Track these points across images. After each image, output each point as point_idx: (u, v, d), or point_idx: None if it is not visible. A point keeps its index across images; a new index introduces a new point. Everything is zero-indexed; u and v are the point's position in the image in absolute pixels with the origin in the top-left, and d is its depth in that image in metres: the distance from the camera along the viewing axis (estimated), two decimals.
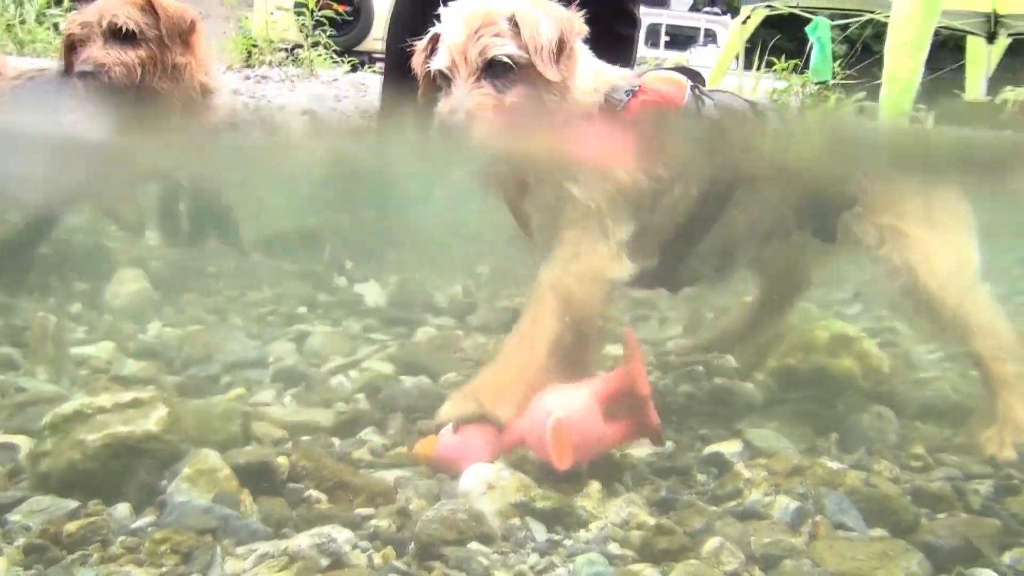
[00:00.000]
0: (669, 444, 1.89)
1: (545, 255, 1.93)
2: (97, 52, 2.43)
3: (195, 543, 1.44)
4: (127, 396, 1.68)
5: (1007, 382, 2.01)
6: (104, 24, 2.45)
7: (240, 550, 1.45)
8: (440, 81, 1.87)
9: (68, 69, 2.52)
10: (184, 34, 2.60)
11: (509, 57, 1.79)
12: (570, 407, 1.71)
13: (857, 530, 1.61)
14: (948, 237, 2.08)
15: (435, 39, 1.88)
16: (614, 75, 1.99)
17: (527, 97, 1.83)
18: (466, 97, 1.78)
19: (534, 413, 1.73)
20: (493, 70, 1.81)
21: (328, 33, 6.28)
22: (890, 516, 1.65)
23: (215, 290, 2.75)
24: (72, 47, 2.51)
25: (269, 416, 1.91)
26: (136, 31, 2.47)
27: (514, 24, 1.80)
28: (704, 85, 2.10)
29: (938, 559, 1.52)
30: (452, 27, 1.84)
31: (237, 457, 1.66)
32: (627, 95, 1.92)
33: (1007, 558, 1.55)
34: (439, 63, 1.84)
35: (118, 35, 2.46)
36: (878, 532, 1.62)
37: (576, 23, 1.88)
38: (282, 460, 1.68)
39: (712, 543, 1.52)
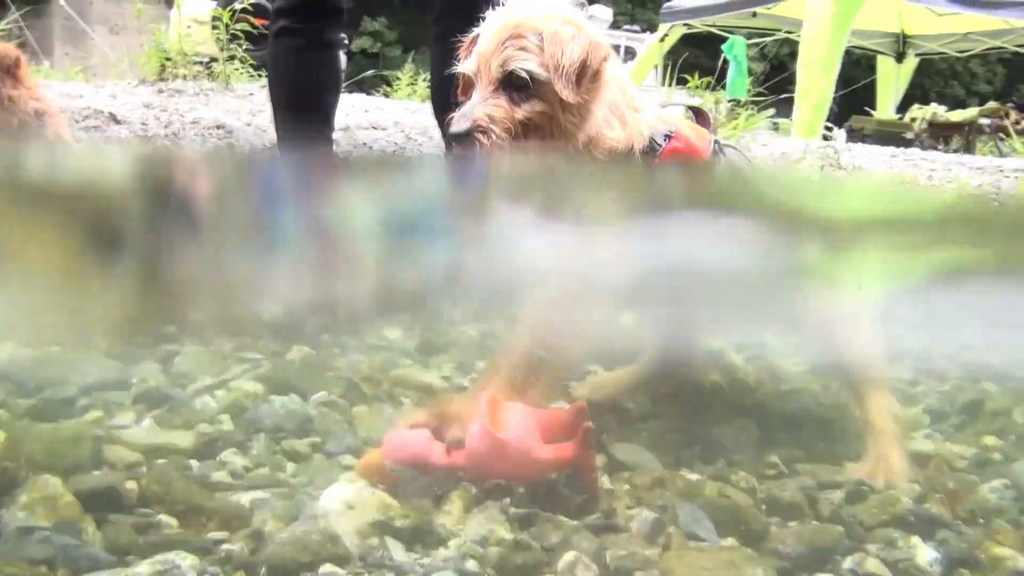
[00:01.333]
0: None
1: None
2: None
3: (29, 574, 1.38)
4: None
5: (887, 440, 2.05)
6: None
7: None
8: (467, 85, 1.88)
9: None
10: (11, 69, 2.85)
11: (528, 72, 1.80)
12: (510, 403, 1.77)
13: (709, 540, 1.65)
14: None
15: (476, 39, 1.89)
16: (651, 114, 2.00)
17: (542, 115, 1.84)
18: (477, 106, 1.79)
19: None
20: (512, 83, 1.82)
21: (244, 47, 6.18)
22: (741, 525, 1.69)
23: (79, 308, 2.66)
24: None
25: (124, 439, 1.85)
26: None
27: (542, 40, 1.81)
28: (710, 126, 2.13)
29: (784, 566, 1.57)
30: (485, 34, 1.86)
31: (82, 483, 1.60)
32: (664, 139, 1.94)
33: (848, 562, 1.61)
34: (467, 66, 1.85)
35: None
36: (729, 541, 1.66)
37: (602, 48, 1.89)
38: (131, 485, 1.64)
39: (568, 557, 1.53)
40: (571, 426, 1.77)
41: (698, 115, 2.14)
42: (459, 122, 1.81)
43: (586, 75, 1.84)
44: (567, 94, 1.81)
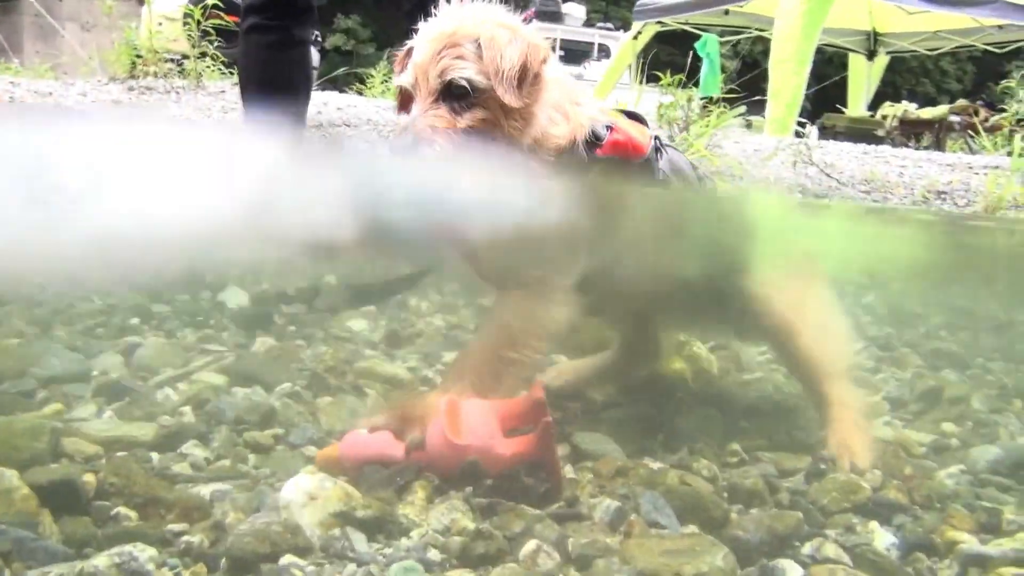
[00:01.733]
0: None
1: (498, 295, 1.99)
2: None
3: None
4: None
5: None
6: None
7: (32, 574, 1.38)
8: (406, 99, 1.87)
9: None
10: None
11: (468, 81, 1.78)
12: (468, 403, 1.78)
13: (670, 527, 1.66)
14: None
15: (410, 52, 1.87)
16: (592, 107, 1.99)
17: (485, 123, 1.82)
18: (418, 119, 1.76)
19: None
20: (452, 92, 1.80)
21: (216, 44, 6.12)
22: (702, 512, 1.70)
23: (39, 300, 2.64)
24: None
25: (83, 432, 1.83)
26: None
27: (479, 47, 1.79)
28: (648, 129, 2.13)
29: (744, 552, 1.58)
30: (420, 45, 1.83)
31: (39, 475, 1.58)
32: (605, 131, 1.93)
33: (807, 548, 1.62)
34: (404, 79, 1.83)
35: None
36: (690, 528, 1.67)
37: (542, 50, 1.86)
38: (89, 478, 1.62)
39: (529, 546, 1.54)
40: (531, 417, 1.77)
41: (634, 118, 2.14)
42: (401, 137, 1.79)
43: (527, 78, 1.82)
44: (509, 99, 1.79)
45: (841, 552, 1.60)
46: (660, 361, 2.45)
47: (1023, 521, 1.73)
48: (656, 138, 2.05)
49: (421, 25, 1.88)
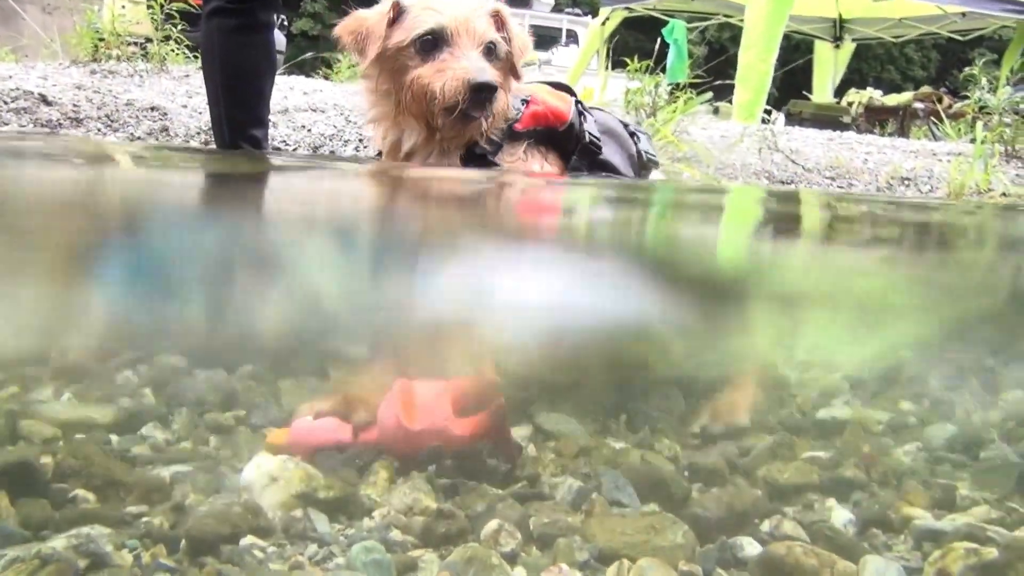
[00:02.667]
0: None
1: None
2: None
3: None
4: None
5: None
6: None
7: None
8: (418, 49, 1.84)
9: None
10: None
11: (495, 45, 1.81)
12: (421, 385, 1.80)
13: (631, 506, 1.68)
14: None
15: (397, 7, 1.85)
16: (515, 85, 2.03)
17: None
18: (487, 65, 1.77)
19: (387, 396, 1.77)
20: (488, 52, 1.82)
21: (180, 27, 6.03)
22: (663, 491, 1.72)
23: None
24: None
25: (41, 414, 1.82)
26: None
27: (496, 19, 1.81)
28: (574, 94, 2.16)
29: (703, 530, 1.60)
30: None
31: None
32: (522, 104, 1.96)
33: (766, 525, 1.64)
34: (435, 22, 1.81)
35: None
36: (651, 507, 1.69)
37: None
38: (46, 460, 1.61)
39: (491, 525, 1.55)
40: (484, 397, 1.78)
41: (560, 88, 2.18)
42: (483, 73, 1.79)
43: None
44: (519, 71, 1.89)
45: (799, 529, 1.63)
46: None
47: (976, 497, 1.77)
48: (578, 102, 2.08)
49: None
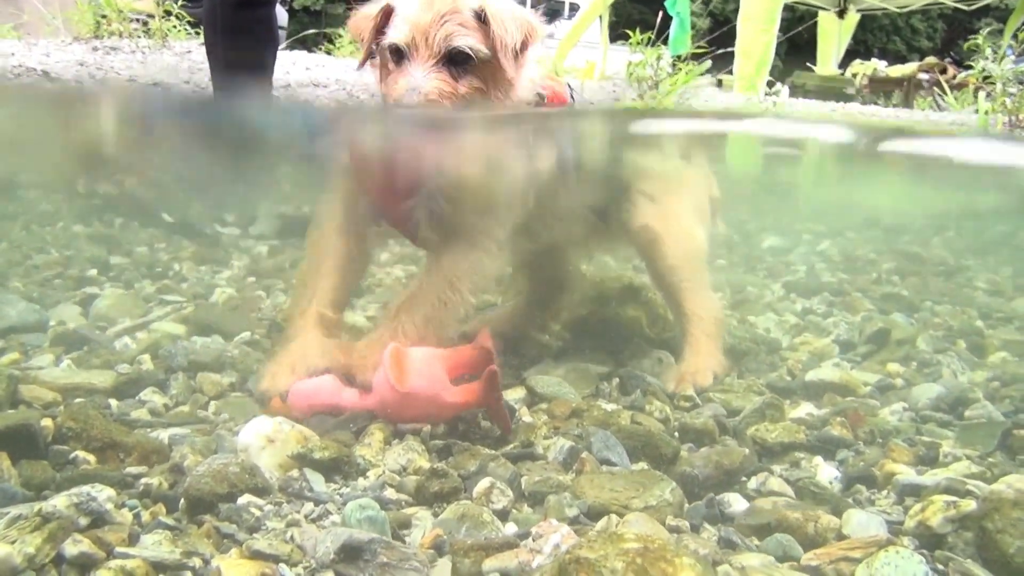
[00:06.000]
0: None
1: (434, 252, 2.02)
2: None
3: None
4: None
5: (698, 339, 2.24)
6: None
7: None
8: (390, 56, 1.87)
9: None
10: None
11: (471, 49, 1.81)
12: (414, 351, 1.80)
13: (621, 464, 1.70)
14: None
15: (387, 11, 1.87)
16: (537, 76, 2.07)
17: (477, 91, 1.88)
18: (424, 79, 1.79)
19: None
20: (452, 58, 1.83)
21: (181, 3, 6.01)
22: (653, 450, 1.75)
23: None
24: None
25: (41, 380, 1.85)
26: None
27: (479, 19, 1.83)
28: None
29: (691, 486, 1.63)
30: (418, 7, 1.86)
31: None
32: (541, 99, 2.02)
33: (752, 483, 1.67)
34: (397, 36, 1.83)
35: None
36: (640, 466, 1.72)
37: (537, 28, 1.95)
38: (47, 423, 1.64)
39: (483, 483, 1.57)
40: (478, 364, 1.80)
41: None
42: (409, 95, 1.82)
43: (524, 53, 1.91)
44: (510, 70, 1.87)
45: (785, 485, 1.65)
46: (573, 294, 2.53)
47: (959, 453, 1.79)
48: (569, 85, 2.16)
49: None
